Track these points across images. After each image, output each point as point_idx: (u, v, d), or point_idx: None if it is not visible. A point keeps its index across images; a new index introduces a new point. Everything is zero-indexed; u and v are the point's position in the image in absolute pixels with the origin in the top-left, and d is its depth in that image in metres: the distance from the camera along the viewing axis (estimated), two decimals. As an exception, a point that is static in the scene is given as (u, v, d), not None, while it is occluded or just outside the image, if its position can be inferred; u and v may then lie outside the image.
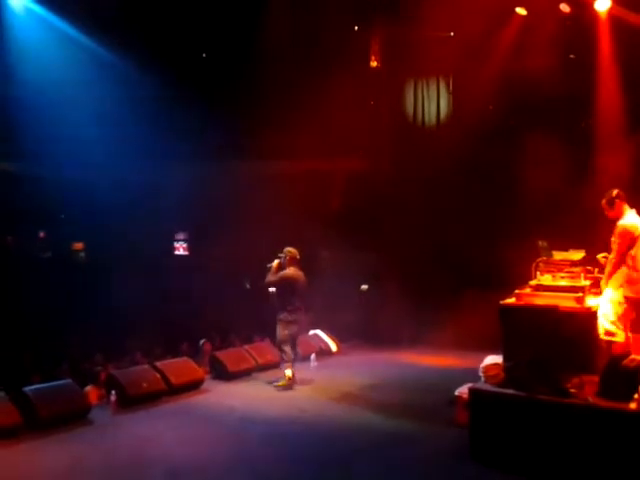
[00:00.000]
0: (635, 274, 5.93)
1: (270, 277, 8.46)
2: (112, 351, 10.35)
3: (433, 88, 12.44)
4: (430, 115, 12.47)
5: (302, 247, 9.05)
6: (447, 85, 12.30)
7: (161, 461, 5.85)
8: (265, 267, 8.54)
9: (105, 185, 15.36)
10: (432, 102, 12.44)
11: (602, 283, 5.99)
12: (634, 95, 9.62)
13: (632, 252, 5.89)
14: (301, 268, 8.57)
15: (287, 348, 8.41)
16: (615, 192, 6.10)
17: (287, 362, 8.39)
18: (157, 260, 15.53)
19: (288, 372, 8.32)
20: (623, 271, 5.89)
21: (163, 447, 6.20)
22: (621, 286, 5.93)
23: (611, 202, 6.07)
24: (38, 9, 11.88)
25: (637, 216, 6.03)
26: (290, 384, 8.28)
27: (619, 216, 6.05)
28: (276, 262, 8.48)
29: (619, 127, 9.88)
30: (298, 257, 8.57)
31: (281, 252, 8.56)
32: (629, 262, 5.88)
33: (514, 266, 6.97)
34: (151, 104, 12.87)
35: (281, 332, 8.42)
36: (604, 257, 6.14)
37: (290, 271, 8.46)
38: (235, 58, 13.03)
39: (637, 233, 5.96)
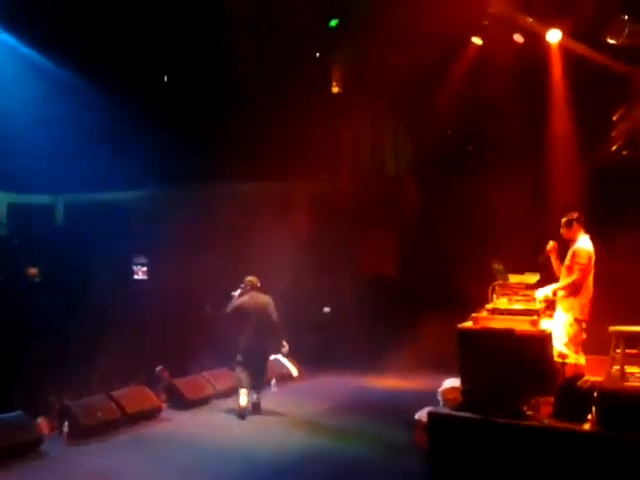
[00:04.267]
0: (582, 296, 6.11)
1: (228, 307, 8.47)
2: (67, 380, 10.08)
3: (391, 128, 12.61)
4: (390, 153, 12.60)
5: (265, 269, 9.14)
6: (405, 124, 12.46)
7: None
8: (229, 295, 8.53)
9: (61, 207, 15.16)
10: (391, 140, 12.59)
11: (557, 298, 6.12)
12: (586, 122, 9.91)
13: None
14: (264, 294, 8.54)
15: (242, 375, 8.28)
16: (576, 215, 6.36)
17: (241, 388, 8.22)
18: (115, 284, 15.27)
19: (241, 400, 8.13)
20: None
21: (119, 478, 6.01)
22: (571, 309, 6.08)
23: (570, 223, 6.32)
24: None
25: (590, 242, 6.22)
26: (241, 412, 8.08)
27: (573, 238, 6.25)
28: (239, 291, 8.49)
29: (572, 153, 10.14)
30: (258, 284, 8.54)
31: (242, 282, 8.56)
32: None
33: (474, 288, 7.03)
34: (109, 126, 12.78)
35: (238, 359, 8.38)
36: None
37: (245, 299, 8.42)
38: (196, 82, 13.07)
39: (592, 259, 6.17)
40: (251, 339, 8.28)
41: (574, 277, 6.13)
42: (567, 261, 6.27)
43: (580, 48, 9.66)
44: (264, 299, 8.47)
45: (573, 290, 6.13)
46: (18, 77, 12.06)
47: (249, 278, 8.56)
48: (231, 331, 8.57)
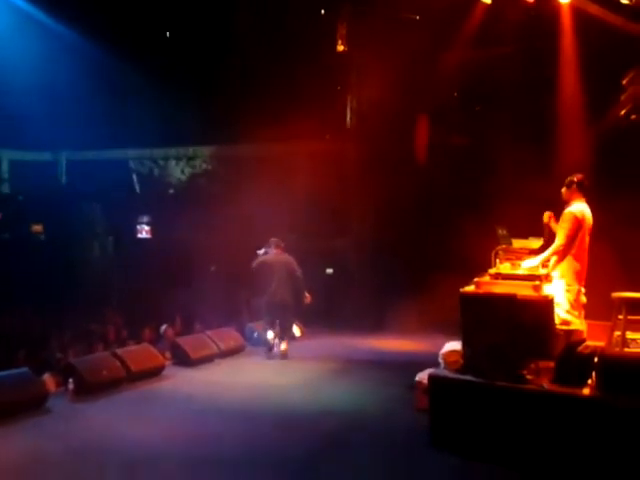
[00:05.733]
0: (578, 264, 6.09)
1: (254, 263, 9.33)
2: (72, 338, 10.21)
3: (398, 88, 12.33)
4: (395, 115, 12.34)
5: (269, 232, 9.66)
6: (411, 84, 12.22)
7: (119, 450, 5.76)
8: (255, 253, 9.43)
9: (64, 166, 15.10)
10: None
11: (549, 268, 6.10)
12: (595, 85, 9.75)
13: (576, 242, 6.04)
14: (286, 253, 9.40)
15: (267, 325, 9.33)
16: (578, 178, 6.25)
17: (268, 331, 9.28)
18: (119, 243, 15.34)
19: (269, 334, 9.26)
20: (567, 260, 6.05)
21: (121, 436, 6.10)
22: (564, 275, 6.08)
23: (569, 184, 6.25)
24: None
25: (587, 207, 6.16)
26: (269, 346, 9.24)
27: (569, 201, 6.20)
28: (263, 250, 9.38)
29: (582, 115, 10.01)
30: (282, 244, 9.42)
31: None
32: (572, 251, 6.03)
33: (478, 251, 7.02)
34: (118, 88, 12.67)
35: (263, 311, 9.36)
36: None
37: (270, 257, 9.30)
38: (200, 42, 12.87)
39: (585, 224, 6.11)
40: (276, 290, 9.10)
41: (558, 242, 6.06)
42: (560, 222, 6.22)
43: (592, 8, 9.44)
44: (287, 257, 9.35)
45: (559, 255, 6.07)
46: (19, 34, 11.90)
47: (273, 239, 9.41)
48: (257, 286, 9.46)
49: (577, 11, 9.70)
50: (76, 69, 12.48)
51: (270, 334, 9.28)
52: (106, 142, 14.14)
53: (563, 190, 6.30)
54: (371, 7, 11.61)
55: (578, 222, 6.08)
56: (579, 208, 6.15)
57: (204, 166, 14.28)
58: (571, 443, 5.19)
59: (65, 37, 12.27)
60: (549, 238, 6.34)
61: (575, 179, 6.25)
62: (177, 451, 5.78)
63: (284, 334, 9.26)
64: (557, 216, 6.31)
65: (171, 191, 14.50)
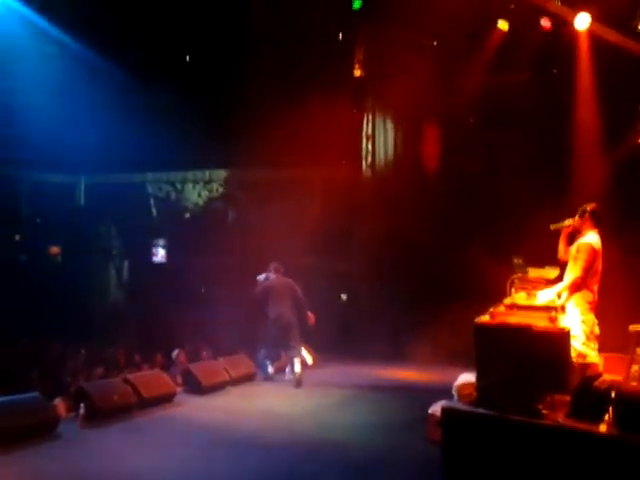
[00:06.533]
0: (589, 292, 5.99)
1: (257, 289, 9.51)
2: (85, 362, 10.23)
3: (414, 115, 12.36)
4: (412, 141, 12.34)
5: (282, 256, 9.81)
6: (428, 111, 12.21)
7: (129, 477, 5.73)
8: (256, 280, 9.58)
9: (82, 188, 15.26)
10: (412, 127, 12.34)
11: (563, 299, 6.00)
12: (612, 111, 9.68)
13: (590, 272, 5.96)
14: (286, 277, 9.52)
15: (264, 351, 9.47)
16: (591, 207, 6.15)
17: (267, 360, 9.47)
18: (136, 266, 15.41)
19: (269, 369, 9.45)
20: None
21: (131, 464, 6.05)
22: (578, 305, 5.98)
23: (582, 213, 6.13)
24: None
25: (598, 237, 6.07)
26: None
27: (581, 231, 6.11)
28: (264, 275, 9.52)
29: (598, 143, 9.92)
30: (282, 269, 9.52)
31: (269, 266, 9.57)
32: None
33: (493, 281, 6.93)
34: (135, 110, 12.79)
35: (267, 339, 9.40)
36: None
37: (272, 281, 9.43)
38: (219, 66, 12.99)
39: (599, 252, 6.03)
40: (279, 312, 9.22)
41: (575, 275, 5.96)
42: (573, 252, 6.11)
43: (609, 34, 9.41)
44: (288, 280, 9.49)
45: (575, 287, 5.99)
46: (39, 55, 12.08)
47: (273, 263, 9.52)
48: (259, 311, 9.56)
49: (594, 37, 9.68)
50: (96, 91, 12.65)
51: (270, 368, 9.49)
52: (124, 165, 14.27)
53: (576, 219, 6.19)
54: (388, 32, 11.65)
55: (595, 253, 5.99)
56: (594, 239, 6.06)
57: (220, 190, 14.34)
58: (587, 481, 5.05)
59: (85, 59, 12.45)
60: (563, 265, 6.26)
61: (588, 208, 6.14)
62: (186, 480, 5.72)
63: (293, 353, 9.24)
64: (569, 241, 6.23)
65: (187, 215, 14.56)
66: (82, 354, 10.68)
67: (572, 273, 6.03)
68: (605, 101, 9.68)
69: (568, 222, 6.26)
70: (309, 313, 9.40)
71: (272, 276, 9.47)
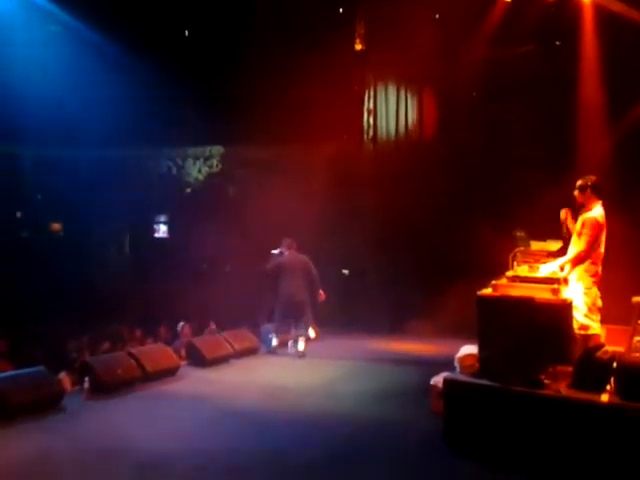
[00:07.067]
0: (593, 265, 6.00)
1: (269, 264, 9.50)
2: (90, 336, 10.27)
3: (416, 89, 12.23)
4: (413, 115, 12.23)
5: (285, 232, 9.74)
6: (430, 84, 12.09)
7: (131, 450, 5.75)
8: (270, 254, 9.62)
9: (84, 164, 15.17)
10: (414, 101, 12.22)
11: (566, 272, 6.01)
12: (617, 83, 9.58)
13: (595, 246, 5.96)
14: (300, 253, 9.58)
15: (272, 325, 9.61)
16: (592, 180, 6.14)
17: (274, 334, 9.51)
18: (137, 242, 15.41)
19: (273, 341, 9.49)
20: (584, 263, 5.97)
21: (135, 437, 6.09)
22: (581, 278, 5.99)
23: (584, 188, 6.14)
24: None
25: (602, 210, 6.06)
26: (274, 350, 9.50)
27: (586, 205, 6.11)
28: (278, 250, 9.51)
29: (602, 115, 9.84)
30: (294, 244, 9.54)
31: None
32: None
33: (495, 254, 6.93)
34: (135, 86, 12.68)
35: (276, 314, 9.48)
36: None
37: (286, 257, 9.45)
38: (218, 41, 12.84)
39: (604, 226, 6.02)
40: (294, 291, 9.27)
41: (580, 249, 5.98)
42: (578, 227, 6.11)
43: (614, 5, 9.28)
44: (303, 257, 9.51)
45: (579, 261, 6.00)
46: (47, 37, 11.98)
47: (287, 239, 9.55)
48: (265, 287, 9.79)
49: (598, 8, 9.55)
50: (99, 69, 12.53)
51: (275, 341, 9.52)
52: (126, 140, 14.17)
53: (576, 194, 6.18)
54: (389, 5, 11.50)
55: (600, 227, 5.99)
56: (600, 212, 6.04)
57: (221, 166, 14.28)
58: (588, 450, 5.10)
59: (86, 37, 12.32)
60: (567, 237, 6.25)
61: (589, 182, 6.12)
62: (190, 454, 5.76)
63: (301, 332, 9.36)
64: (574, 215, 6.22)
65: (188, 190, 14.52)
66: (85, 330, 10.71)
67: (576, 247, 6.04)
68: (610, 73, 9.57)
69: (562, 215, 6.28)
70: (320, 291, 9.48)
71: (286, 252, 9.48)
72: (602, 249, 6.10)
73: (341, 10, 12.37)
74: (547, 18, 10.01)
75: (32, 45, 11.96)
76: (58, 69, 12.22)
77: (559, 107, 9.99)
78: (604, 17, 9.48)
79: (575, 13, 9.79)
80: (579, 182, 6.16)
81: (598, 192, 6.13)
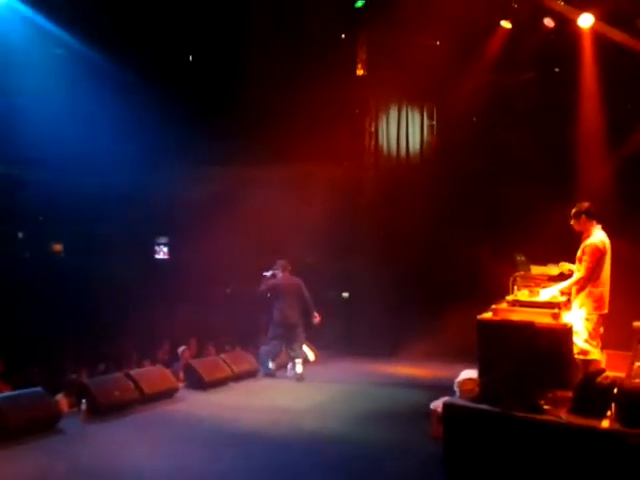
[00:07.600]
0: (595, 290, 6.00)
1: (262, 286, 9.51)
2: (88, 357, 10.21)
3: (417, 113, 12.34)
4: (414, 139, 12.33)
5: (284, 254, 9.86)
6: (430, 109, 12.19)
7: (129, 472, 5.73)
8: (262, 275, 9.60)
9: (86, 187, 15.23)
10: (415, 126, 12.32)
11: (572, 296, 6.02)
12: (616, 109, 9.67)
13: (597, 271, 5.97)
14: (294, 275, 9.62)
15: (267, 348, 9.55)
16: (585, 207, 6.19)
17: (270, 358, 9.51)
18: (138, 263, 15.38)
19: (270, 365, 9.50)
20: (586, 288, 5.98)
21: (132, 460, 6.06)
22: (584, 304, 5.99)
23: (578, 215, 6.18)
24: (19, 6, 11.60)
25: (603, 233, 6.08)
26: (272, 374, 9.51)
27: (584, 231, 6.15)
28: (270, 272, 9.51)
29: (601, 141, 9.90)
30: (289, 267, 9.56)
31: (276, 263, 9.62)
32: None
33: (496, 278, 6.93)
34: (137, 109, 12.76)
35: (270, 336, 9.47)
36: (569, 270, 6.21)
37: (279, 279, 9.46)
38: (221, 63, 12.97)
39: (606, 252, 6.03)
40: (285, 312, 9.30)
41: (579, 275, 6.02)
42: (578, 253, 6.14)
43: (613, 33, 9.39)
44: (296, 280, 9.52)
45: (581, 286, 6.01)
46: (50, 60, 12.09)
47: (281, 261, 9.56)
48: (262, 309, 9.76)
49: (598, 36, 9.66)
50: (100, 91, 12.63)
51: (271, 364, 9.53)
52: (128, 163, 14.23)
53: (572, 222, 6.22)
54: (391, 31, 11.64)
55: (600, 253, 6.02)
56: (599, 238, 6.07)
57: (221, 187, 14.31)
58: (588, 476, 5.05)
59: (89, 60, 12.43)
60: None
61: (582, 209, 6.17)
62: (188, 476, 5.72)
63: (296, 354, 9.36)
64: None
65: (189, 212, 14.54)
66: (84, 351, 10.65)
67: (577, 273, 6.06)
68: (609, 99, 9.66)
69: (565, 269, 6.26)
70: (315, 313, 9.48)
71: (280, 274, 9.49)
72: (607, 271, 6.11)
73: (343, 36, 12.53)
74: (547, 45, 10.13)
75: (35, 67, 12.07)
76: (61, 91, 12.32)
77: (559, 133, 10.06)
78: (603, 44, 9.58)
79: (574, 40, 9.89)
80: (573, 210, 6.23)
81: (593, 216, 6.17)
